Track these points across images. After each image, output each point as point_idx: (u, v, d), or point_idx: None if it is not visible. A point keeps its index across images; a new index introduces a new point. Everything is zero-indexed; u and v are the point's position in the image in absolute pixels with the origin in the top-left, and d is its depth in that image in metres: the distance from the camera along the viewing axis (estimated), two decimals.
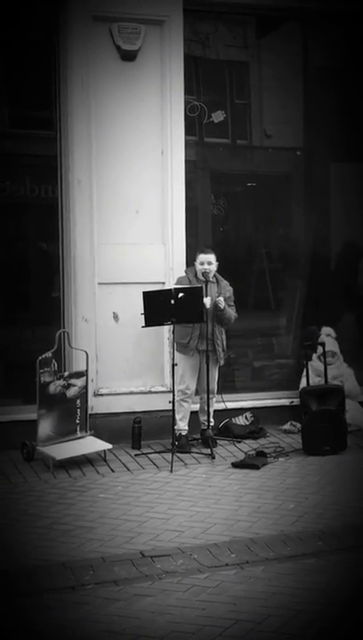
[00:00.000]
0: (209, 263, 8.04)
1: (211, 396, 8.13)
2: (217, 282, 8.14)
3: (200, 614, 4.69)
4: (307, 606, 4.80)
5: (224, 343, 8.16)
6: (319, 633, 4.53)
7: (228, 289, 8.17)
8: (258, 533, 5.90)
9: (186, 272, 8.19)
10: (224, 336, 8.16)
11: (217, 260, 8.13)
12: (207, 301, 7.83)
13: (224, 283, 8.19)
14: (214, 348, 8.03)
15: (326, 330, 9.06)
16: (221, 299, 7.96)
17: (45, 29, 8.50)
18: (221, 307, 7.94)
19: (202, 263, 8.04)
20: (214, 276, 8.11)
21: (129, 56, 8.25)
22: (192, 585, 5.09)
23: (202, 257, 8.07)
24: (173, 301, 7.58)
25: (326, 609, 4.78)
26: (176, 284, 8.06)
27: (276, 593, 4.97)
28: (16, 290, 8.86)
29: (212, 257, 8.08)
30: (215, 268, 8.10)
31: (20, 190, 8.79)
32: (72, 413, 7.80)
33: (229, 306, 8.08)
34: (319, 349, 8.71)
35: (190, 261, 8.36)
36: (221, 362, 8.18)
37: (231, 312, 8.09)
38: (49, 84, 8.47)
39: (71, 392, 7.78)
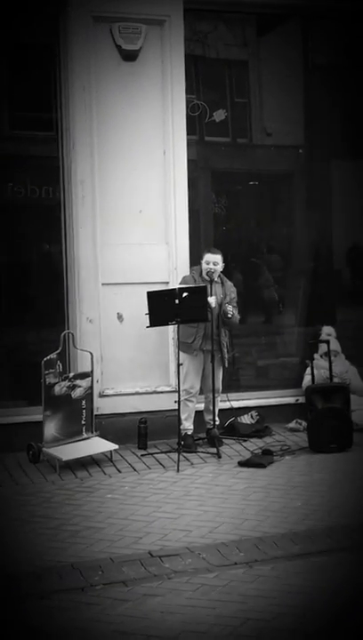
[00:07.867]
0: (215, 263, 8.02)
1: (216, 395, 8.12)
2: (222, 282, 8.13)
3: (210, 613, 4.68)
4: (317, 604, 4.79)
5: (229, 344, 8.15)
6: (331, 630, 4.52)
7: (232, 290, 8.15)
8: (266, 532, 5.89)
9: (192, 271, 8.19)
10: (229, 337, 8.16)
11: (224, 262, 8.12)
12: (212, 300, 7.81)
13: (229, 284, 8.18)
14: (220, 349, 8.01)
15: (326, 329, 9.07)
16: (230, 307, 7.91)
17: (46, 30, 8.50)
18: (229, 315, 7.90)
19: (208, 262, 8.02)
20: (219, 276, 8.10)
21: (130, 56, 8.25)
22: (201, 584, 5.08)
23: (208, 256, 8.05)
24: (177, 301, 7.58)
25: (337, 606, 4.77)
26: (181, 283, 8.05)
27: (286, 591, 4.96)
28: (20, 292, 8.85)
29: (218, 257, 8.06)
30: (220, 269, 8.08)
31: (21, 192, 8.78)
32: (78, 414, 7.79)
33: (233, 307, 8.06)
34: (323, 347, 8.70)
35: (194, 261, 8.36)
36: (226, 363, 8.13)
37: (237, 316, 8.07)
38: (50, 84, 8.47)
39: (76, 393, 7.78)
